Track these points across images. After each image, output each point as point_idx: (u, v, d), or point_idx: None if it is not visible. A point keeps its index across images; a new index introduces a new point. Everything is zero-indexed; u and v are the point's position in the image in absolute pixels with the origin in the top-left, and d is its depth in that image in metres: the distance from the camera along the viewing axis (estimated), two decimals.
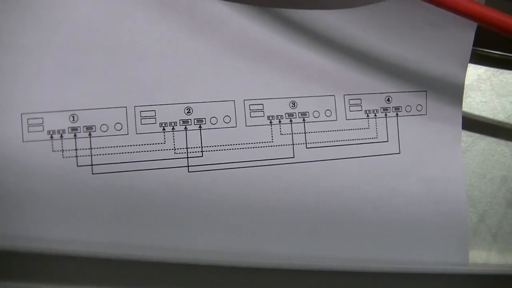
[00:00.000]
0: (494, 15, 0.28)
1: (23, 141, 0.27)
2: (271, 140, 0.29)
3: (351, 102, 0.30)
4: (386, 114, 0.31)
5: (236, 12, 0.29)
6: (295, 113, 0.30)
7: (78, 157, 0.27)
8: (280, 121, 0.30)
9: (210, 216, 0.29)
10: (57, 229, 0.27)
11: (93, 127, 0.28)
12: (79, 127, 0.27)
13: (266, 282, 0.29)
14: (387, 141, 0.31)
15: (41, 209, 0.27)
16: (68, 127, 0.27)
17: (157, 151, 0.28)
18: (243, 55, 0.29)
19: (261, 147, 0.29)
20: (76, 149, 0.27)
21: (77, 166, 0.27)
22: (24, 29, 0.27)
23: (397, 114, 0.31)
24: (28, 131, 0.27)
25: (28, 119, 0.27)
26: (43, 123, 0.27)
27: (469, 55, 0.31)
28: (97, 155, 0.28)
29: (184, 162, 0.28)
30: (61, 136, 0.27)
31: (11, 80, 0.27)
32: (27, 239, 0.27)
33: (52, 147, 0.27)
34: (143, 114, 0.28)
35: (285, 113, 0.30)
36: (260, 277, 0.29)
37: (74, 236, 0.27)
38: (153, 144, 0.28)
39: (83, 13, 0.27)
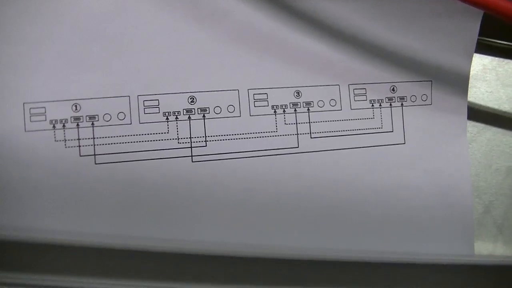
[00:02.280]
0: (501, 3, 0.28)
1: (25, 131, 0.27)
2: (275, 130, 0.29)
3: (356, 91, 0.30)
4: (391, 104, 0.31)
5: (241, 2, 0.28)
6: (300, 102, 0.30)
7: (80, 147, 0.27)
8: (284, 111, 0.29)
9: (213, 206, 0.28)
10: (59, 219, 0.27)
11: (96, 116, 0.27)
12: (82, 116, 0.27)
13: (270, 272, 0.28)
14: (392, 131, 0.31)
15: (43, 199, 0.27)
16: (71, 117, 0.27)
17: (160, 141, 0.28)
18: (247, 45, 0.29)
19: (265, 137, 0.29)
20: (78, 139, 0.27)
21: (80, 156, 0.27)
22: (27, 19, 0.27)
23: (402, 104, 0.31)
24: (31, 121, 0.27)
25: (30, 109, 0.27)
26: (45, 112, 0.27)
27: (475, 45, 0.31)
28: (100, 144, 0.27)
29: (187, 152, 0.28)
30: (64, 126, 0.27)
31: (13, 70, 0.27)
32: (29, 229, 0.27)
33: (55, 137, 0.27)
34: (146, 103, 0.28)
35: (290, 103, 0.29)
36: (263, 267, 0.28)
37: (76, 227, 0.27)
38: (156, 133, 0.28)
39: (86, 3, 0.27)
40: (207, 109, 0.28)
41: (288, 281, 0.29)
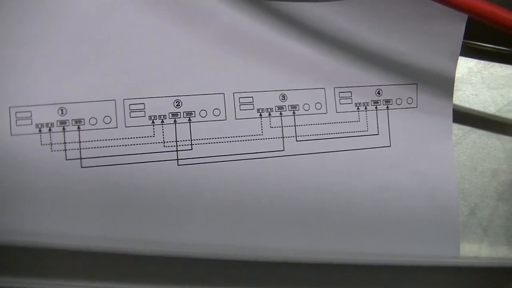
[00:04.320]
0: (485, 7, 0.28)
1: (11, 135, 0.27)
2: (260, 133, 0.29)
3: (341, 95, 0.30)
4: (376, 107, 0.31)
5: (226, 5, 0.29)
6: (285, 106, 0.30)
7: (67, 151, 0.27)
8: (270, 114, 0.29)
9: (200, 209, 0.29)
10: (46, 223, 0.27)
11: (82, 120, 0.27)
12: (68, 120, 0.27)
13: (255, 275, 0.29)
14: (377, 134, 0.31)
15: (29, 202, 0.27)
16: (57, 121, 0.27)
17: (146, 144, 0.28)
18: (233, 48, 0.29)
19: (250, 140, 0.29)
20: (65, 143, 0.27)
21: (66, 159, 0.27)
22: (12, 22, 0.27)
23: (387, 107, 0.31)
24: (16, 125, 0.27)
25: (16, 112, 0.27)
26: (31, 116, 0.27)
27: (460, 48, 0.31)
28: (86, 148, 0.27)
29: (173, 155, 0.28)
30: (50, 130, 0.27)
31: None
32: (16, 232, 0.27)
33: (41, 141, 0.27)
34: (132, 107, 0.28)
35: (275, 106, 0.30)
36: (249, 270, 0.29)
37: (63, 230, 0.27)
38: (142, 137, 0.28)
39: (72, 6, 0.27)
40: (193, 112, 0.29)
41: (274, 283, 0.29)
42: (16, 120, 0.27)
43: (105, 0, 0.28)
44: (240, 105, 0.29)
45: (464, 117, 0.34)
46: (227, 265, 0.28)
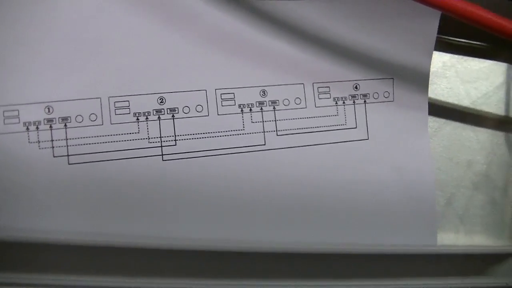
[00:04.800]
0: (457, 4, 0.29)
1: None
2: (242, 128, 0.30)
3: (320, 90, 0.31)
4: (354, 101, 0.32)
5: (208, 4, 0.29)
6: (266, 101, 0.31)
7: (54, 148, 0.28)
8: (251, 110, 0.30)
9: (184, 203, 0.29)
10: (35, 219, 0.28)
11: (69, 118, 0.28)
12: (55, 118, 0.28)
13: (237, 266, 0.29)
14: (355, 128, 0.32)
15: (18, 199, 0.27)
16: (44, 119, 0.28)
17: (131, 141, 0.29)
18: (214, 46, 0.30)
19: (233, 135, 0.30)
20: (52, 140, 0.28)
21: (54, 156, 0.28)
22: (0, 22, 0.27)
23: (365, 101, 0.32)
24: (4, 123, 0.27)
25: (3, 111, 0.27)
26: (18, 115, 0.28)
27: (434, 42, 0.32)
28: (73, 145, 0.28)
29: (158, 151, 0.29)
30: (37, 128, 0.28)
31: None
32: (5, 229, 0.27)
33: (29, 139, 0.28)
34: (117, 104, 0.29)
35: (256, 102, 0.30)
36: (230, 262, 0.29)
37: (52, 226, 0.28)
38: (127, 134, 0.29)
39: (58, 6, 0.28)
40: (176, 109, 0.29)
41: (259, 274, 0.30)
42: (4, 119, 0.27)
43: (90, 0, 0.28)
44: (222, 101, 0.30)
45: (439, 110, 0.35)
46: (211, 257, 0.29)
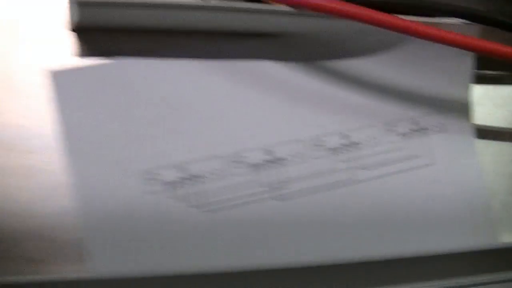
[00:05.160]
0: (488, 45, 0.36)
1: (142, 193, 0.34)
2: (332, 167, 0.37)
3: (390, 128, 0.38)
4: (417, 134, 0.39)
5: (293, 70, 0.37)
6: (348, 143, 0.37)
7: (190, 201, 0.34)
8: (337, 151, 0.37)
9: (305, 234, 0.36)
10: (183, 262, 0.34)
11: (199, 175, 0.35)
12: (188, 176, 0.35)
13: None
14: (421, 156, 0.39)
15: (165, 246, 0.34)
16: (179, 177, 0.35)
17: (251, 188, 0.35)
18: (306, 102, 0.37)
19: (321, 175, 0.37)
20: (187, 195, 0.35)
21: (191, 207, 0.34)
22: (131, 102, 0.35)
23: (426, 133, 0.39)
24: (146, 184, 0.34)
25: (145, 174, 0.34)
26: (158, 176, 0.34)
27: (471, 77, 0.40)
28: (207, 197, 0.35)
29: (274, 194, 0.36)
30: (174, 185, 0.34)
31: (130, 142, 0.34)
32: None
33: (168, 195, 0.34)
34: (235, 159, 0.35)
35: (340, 144, 0.37)
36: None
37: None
38: (246, 183, 0.35)
39: (175, 79, 0.36)
40: (284, 158, 0.36)
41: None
42: (146, 180, 0.34)
43: (197, 78, 0.36)
44: (314, 146, 0.37)
45: (483, 132, 0.42)
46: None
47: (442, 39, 0.36)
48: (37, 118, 0.33)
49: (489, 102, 0.42)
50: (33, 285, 0.30)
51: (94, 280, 0.32)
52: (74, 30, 0.35)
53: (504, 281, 0.38)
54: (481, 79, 0.42)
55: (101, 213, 0.33)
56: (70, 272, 0.32)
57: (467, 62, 0.40)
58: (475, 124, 0.41)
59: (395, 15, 0.35)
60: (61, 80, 0.34)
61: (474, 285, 0.37)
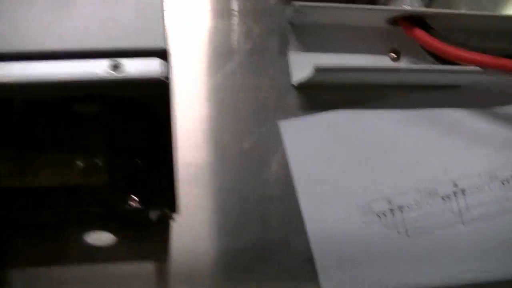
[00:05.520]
0: None
1: (360, 222, 0.41)
2: (505, 196, 0.44)
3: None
4: None
5: (472, 116, 0.44)
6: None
7: (397, 227, 0.42)
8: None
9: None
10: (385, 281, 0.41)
11: (403, 206, 0.42)
12: (394, 207, 0.42)
13: None
14: None
15: (372, 267, 0.41)
16: (388, 208, 0.42)
17: (442, 216, 0.43)
18: (483, 142, 0.45)
19: (497, 202, 0.44)
20: (395, 223, 0.42)
21: (397, 233, 0.42)
22: (347, 146, 0.42)
23: None
24: (363, 215, 0.41)
25: (362, 207, 0.41)
26: (371, 208, 0.41)
27: None
28: (409, 224, 0.42)
29: (459, 219, 0.43)
30: (384, 215, 0.42)
31: (348, 180, 0.42)
32: None
33: (380, 223, 0.42)
34: (426, 191, 0.43)
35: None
36: None
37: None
38: (438, 212, 0.43)
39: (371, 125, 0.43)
40: (465, 190, 0.43)
41: None
42: (363, 212, 0.41)
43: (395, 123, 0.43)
44: (489, 178, 0.44)
45: None
46: None
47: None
48: None
49: None
50: None
51: None
52: (298, 87, 0.42)
53: None
54: None
55: (329, 238, 0.41)
56: None
57: None
58: None
59: None
60: (288, 129, 0.41)
61: None
